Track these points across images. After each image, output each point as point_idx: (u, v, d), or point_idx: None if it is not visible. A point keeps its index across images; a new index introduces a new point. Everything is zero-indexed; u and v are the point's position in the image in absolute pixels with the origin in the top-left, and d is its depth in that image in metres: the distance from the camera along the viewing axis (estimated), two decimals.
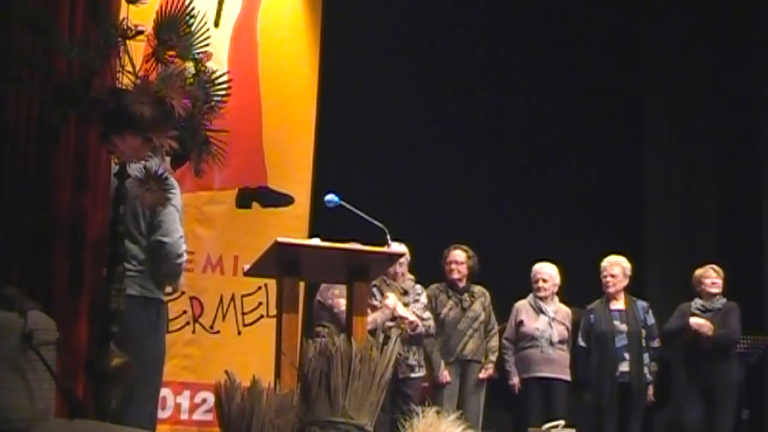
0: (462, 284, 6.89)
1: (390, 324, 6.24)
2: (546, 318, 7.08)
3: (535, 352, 7.01)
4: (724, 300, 7.23)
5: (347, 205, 5.17)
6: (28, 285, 3.63)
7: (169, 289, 4.42)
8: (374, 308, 6.28)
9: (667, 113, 9.18)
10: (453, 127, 8.43)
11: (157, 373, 4.20)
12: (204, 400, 6.14)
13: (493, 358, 6.90)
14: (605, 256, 7.28)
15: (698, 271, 7.34)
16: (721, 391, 7.03)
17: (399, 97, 8.12)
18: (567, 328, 7.14)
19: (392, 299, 6.34)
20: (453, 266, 6.86)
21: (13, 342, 3.25)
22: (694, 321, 7.07)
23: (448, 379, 6.73)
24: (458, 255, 6.87)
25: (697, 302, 7.26)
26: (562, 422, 6.13)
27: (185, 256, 4.33)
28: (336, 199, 5.17)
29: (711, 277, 7.25)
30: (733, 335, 7.13)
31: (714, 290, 7.22)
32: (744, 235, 8.60)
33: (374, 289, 6.41)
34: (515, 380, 7.03)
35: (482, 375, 6.83)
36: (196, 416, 6.18)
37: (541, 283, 7.15)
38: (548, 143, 8.77)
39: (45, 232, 3.88)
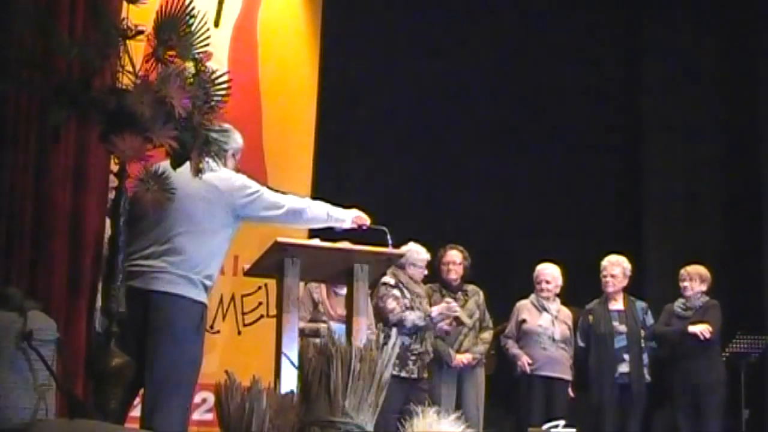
0: (456, 283, 6.91)
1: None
2: (549, 316, 7.10)
3: (537, 350, 7.01)
4: (705, 298, 7.21)
5: None
6: (28, 285, 3.63)
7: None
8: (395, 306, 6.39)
9: (668, 113, 9.17)
10: (453, 128, 8.43)
11: (192, 377, 4.14)
12: (204, 400, 6.14)
13: (481, 348, 6.87)
14: (605, 256, 7.28)
15: (680, 272, 7.34)
16: (707, 390, 7.00)
17: (399, 98, 8.12)
18: (569, 328, 7.15)
19: (435, 309, 6.53)
20: (450, 266, 6.89)
21: (13, 342, 3.25)
22: (693, 329, 7.04)
23: (465, 360, 6.74)
24: (455, 255, 6.90)
25: (679, 302, 7.26)
26: (562, 422, 6.13)
27: (304, 205, 4.42)
28: None
29: (684, 279, 7.25)
30: (713, 336, 7.07)
31: (687, 293, 7.21)
32: (744, 235, 8.59)
33: (401, 288, 6.48)
34: (524, 359, 6.99)
35: (460, 359, 6.75)
36: (196, 416, 6.18)
37: (544, 285, 7.17)
38: (549, 143, 8.76)
39: (45, 232, 3.88)
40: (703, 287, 7.21)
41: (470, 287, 6.97)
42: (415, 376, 6.42)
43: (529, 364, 6.98)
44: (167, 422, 3.92)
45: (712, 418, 6.98)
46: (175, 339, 3.96)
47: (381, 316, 6.36)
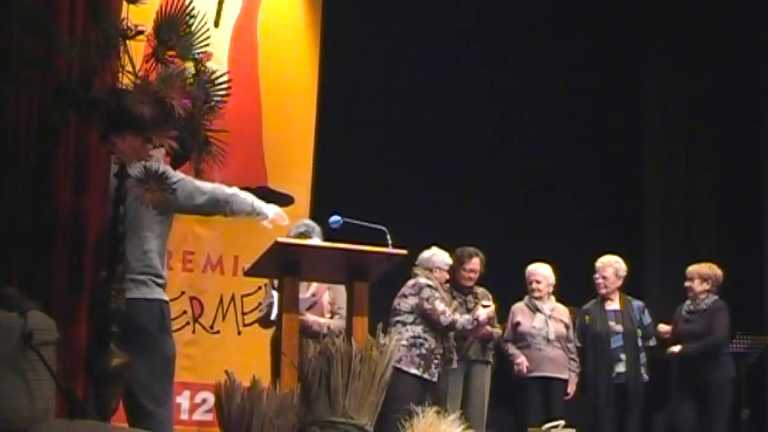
0: (469, 287, 6.95)
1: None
2: (542, 316, 7.10)
3: (533, 351, 7.02)
4: (713, 298, 7.10)
5: (350, 220, 5.25)
6: (28, 285, 3.63)
7: (266, 224, 4.44)
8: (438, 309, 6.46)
9: (668, 113, 9.17)
10: (452, 129, 8.43)
11: (168, 375, 4.13)
12: (204, 400, 6.15)
13: (499, 330, 6.98)
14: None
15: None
16: (714, 389, 6.93)
17: (399, 97, 8.11)
18: (566, 326, 7.15)
19: (483, 312, 6.60)
20: (472, 275, 6.92)
21: (13, 342, 3.24)
22: (660, 328, 7.03)
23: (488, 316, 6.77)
24: (478, 264, 6.93)
25: (686, 303, 7.20)
26: (562, 422, 6.13)
27: (229, 192, 4.28)
28: (339, 219, 5.31)
29: (687, 280, 7.17)
30: (720, 341, 7.00)
31: (690, 293, 7.15)
32: (744, 235, 8.59)
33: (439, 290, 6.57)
34: (521, 359, 6.99)
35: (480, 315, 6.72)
36: (196, 416, 6.19)
37: (535, 284, 7.18)
38: (548, 144, 8.76)
39: (45, 232, 3.87)
40: (706, 286, 7.10)
41: (480, 290, 7.00)
42: (435, 379, 6.43)
43: (526, 366, 6.98)
44: (152, 424, 3.91)
45: (718, 419, 6.92)
46: (140, 342, 3.94)
47: (430, 318, 6.39)
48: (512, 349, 7.08)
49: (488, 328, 6.83)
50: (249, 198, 4.44)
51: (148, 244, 4.09)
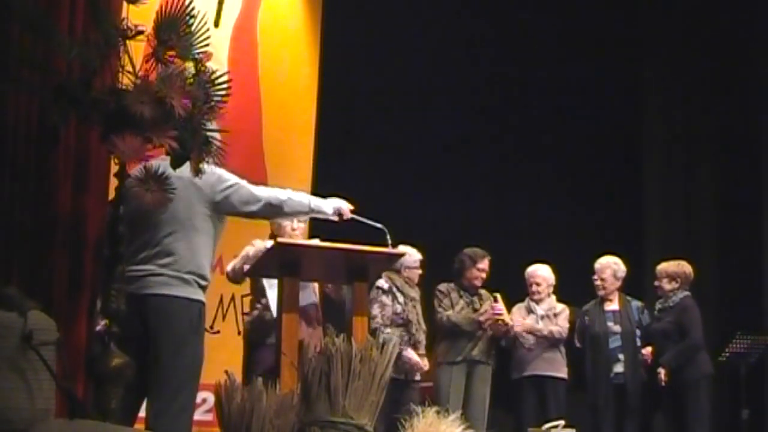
0: (476, 288, 6.97)
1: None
2: (534, 316, 7.10)
3: (526, 351, 7.03)
4: (681, 294, 6.99)
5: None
6: (28, 285, 3.63)
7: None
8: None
9: (668, 113, 9.18)
10: (452, 128, 8.44)
11: (195, 377, 4.11)
12: (204, 400, 6.13)
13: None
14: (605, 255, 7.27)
15: None
16: (690, 388, 6.82)
17: (399, 97, 8.12)
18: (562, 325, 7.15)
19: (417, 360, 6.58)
20: (483, 275, 6.92)
21: (13, 342, 3.24)
22: (644, 351, 7.00)
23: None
24: (487, 264, 6.94)
25: (657, 303, 7.13)
26: (561, 422, 6.12)
27: (283, 197, 4.28)
28: None
29: (655, 279, 7.10)
30: (697, 343, 6.88)
31: (659, 293, 7.09)
32: (744, 235, 8.59)
33: (395, 292, 6.55)
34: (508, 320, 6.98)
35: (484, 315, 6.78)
36: (196, 416, 6.11)
37: (535, 287, 7.18)
38: (548, 144, 8.77)
39: (45, 232, 3.88)
40: (675, 284, 6.98)
41: (483, 291, 7.01)
42: (403, 377, 6.41)
43: (512, 328, 6.97)
44: (173, 425, 3.90)
45: (695, 420, 6.85)
46: (174, 340, 3.94)
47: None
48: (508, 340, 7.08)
49: (502, 326, 6.85)
50: (305, 199, 4.43)
51: (198, 243, 4.08)
